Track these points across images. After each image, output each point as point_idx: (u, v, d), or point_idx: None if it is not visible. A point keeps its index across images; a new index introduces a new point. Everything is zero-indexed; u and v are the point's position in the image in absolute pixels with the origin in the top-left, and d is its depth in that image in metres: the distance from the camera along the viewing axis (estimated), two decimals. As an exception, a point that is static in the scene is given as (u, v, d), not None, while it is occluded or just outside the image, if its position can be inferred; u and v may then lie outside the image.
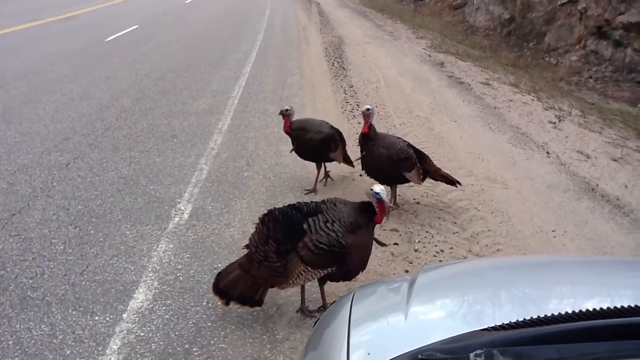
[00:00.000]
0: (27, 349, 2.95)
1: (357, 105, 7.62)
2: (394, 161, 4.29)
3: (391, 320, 1.55)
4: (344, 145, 5.00)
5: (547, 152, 5.93)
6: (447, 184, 4.62)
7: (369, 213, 3.03)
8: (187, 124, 6.85)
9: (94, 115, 7.33)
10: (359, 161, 4.56)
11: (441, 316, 1.56)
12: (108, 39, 13.63)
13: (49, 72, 9.98)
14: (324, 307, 3.21)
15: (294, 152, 4.96)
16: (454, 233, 4.23)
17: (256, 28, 15.45)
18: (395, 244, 4.07)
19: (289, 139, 4.95)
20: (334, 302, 1.94)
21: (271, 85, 8.88)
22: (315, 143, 4.73)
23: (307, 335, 3.03)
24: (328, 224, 2.95)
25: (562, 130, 6.68)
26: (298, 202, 3.11)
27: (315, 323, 1.92)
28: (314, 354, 1.59)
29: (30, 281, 3.58)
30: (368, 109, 4.30)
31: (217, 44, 12.93)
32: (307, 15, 18.69)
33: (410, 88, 8.78)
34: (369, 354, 1.31)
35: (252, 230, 4.09)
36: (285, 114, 4.74)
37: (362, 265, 3.14)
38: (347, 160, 5.02)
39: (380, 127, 6.67)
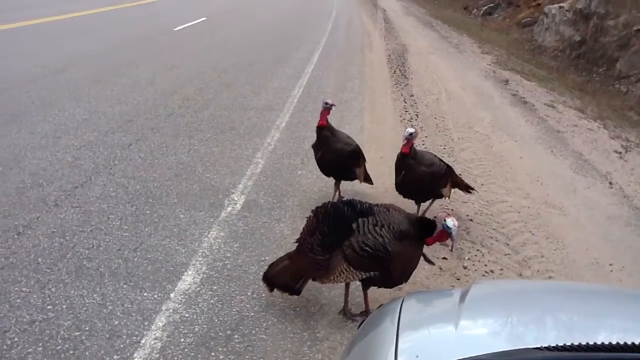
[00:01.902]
0: (78, 315, 3.06)
1: (416, 114, 7.58)
2: (434, 179, 4.26)
3: (441, 329, 1.54)
4: (364, 162, 4.77)
5: (610, 183, 5.74)
6: (466, 192, 4.68)
7: (424, 231, 3.01)
8: (246, 118, 6.96)
9: (157, 100, 7.55)
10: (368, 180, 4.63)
11: (491, 331, 1.54)
12: (176, 29, 13.99)
13: (118, 56, 10.33)
14: (366, 313, 3.21)
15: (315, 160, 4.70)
16: (505, 255, 4.14)
17: (321, 30, 15.55)
18: (444, 258, 4.02)
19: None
20: (380, 305, 1.95)
21: (332, 87, 8.92)
22: (344, 154, 4.47)
23: (347, 337, 3.04)
24: (377, 228, 2.95)
25: (627, 162, 6.45)
26: (353, 199, 3.12)
27: (360, 324, 1.93)
28: (359, 354, 1.60)
29: (87, 251, 3.72)
30: (411, 134, 4.15)
31: (281, 42, 13.09)
32: (372, 21, 18.68)
33: (472, 103, 8.66)
34: (417, 356, 1.31)
35: (301, 227, 4.18)
36: (327, 108, 4.47)
37: (405, 275, 3.12)
38: (367, 179, 4.86)
39: (438, 140, 6.63)
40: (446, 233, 2.95)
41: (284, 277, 3.15)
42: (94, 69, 9.10)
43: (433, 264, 3.54)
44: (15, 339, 2.86)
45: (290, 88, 8.61)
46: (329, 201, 3.16)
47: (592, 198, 5.32)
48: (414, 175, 4.20)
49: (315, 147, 4.61)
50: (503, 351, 1.20)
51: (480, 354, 1.19)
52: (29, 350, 2.79)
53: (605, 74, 11.53)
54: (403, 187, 4.35)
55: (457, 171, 5.61)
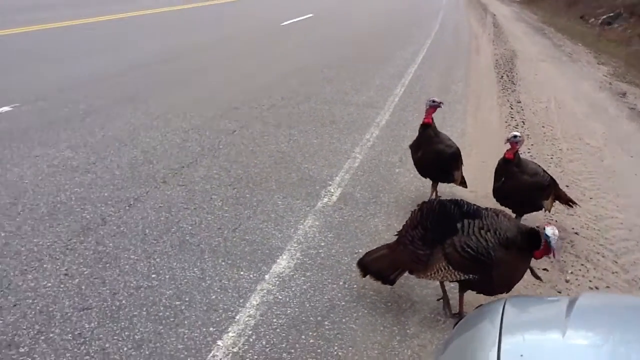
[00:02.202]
0: (179, 286, 3.22)
1: (523, 121, 7.30)
2: (536, 189, 4.04)
3: (547, 334, 1.48)
4: (462, 166, 4.64)
5: None
6: (567, 205, 4.44)
7: (534, 243, 2.89)
8: (346, 113, 7.01)
9: (262, 91, 7.78)
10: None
11: (598, 344, 1.47)
12: (284, 24, 14.33)
13: (227, 48, 10.74)
14: (459, 315, 3.14)
15: (414, 161, 4.59)
16: (613, 273, 3.90)
17: (427, 30, 15.35)
18: (545, 269, 3.85)
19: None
20: (479, 305, 1.90)
21: (434, 88, 8.78)
22: (445, 156, 4.38)
23: (438, 337, 2.99)
24: (482, 231, 2.87)
25: None
26: (461, 200, 3.07)
27: (456, 324, 1.89)
28: (456, 353, 1.56)
29: (190, 227, 3.91)
30: (515, 136, 3.95)
31: (385, 40, 13.06)
32: (481, 25, 18.19)
33: (584, 114, 8.21)
34: (521, 355, 1.27)
35: (396, 224, 4.16)
36: (433, 106, 4.36)
37: (506, 285, 3.01)
38: (462, 182, 4.71)
39: (545, 149, 6.35)
40: (549, 244, 2.80)
41: (380, 265, 3.15)
42: (204, 59, 9.53)
43: (540, 279, 3.39)
44: (123, 301, 3.05)
45: (392, 87, 8.57)
46: (436, 198, 3.11)
47: None
48: (515, 183, 4.00)
49: (415, 146, 4.54)
50: None
51: None
52: (135, 313, 2.96)
53: None
54: (502, 194, 4.16)
55: (564, 183, 5.35)
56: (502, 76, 10.27)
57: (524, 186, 3.99)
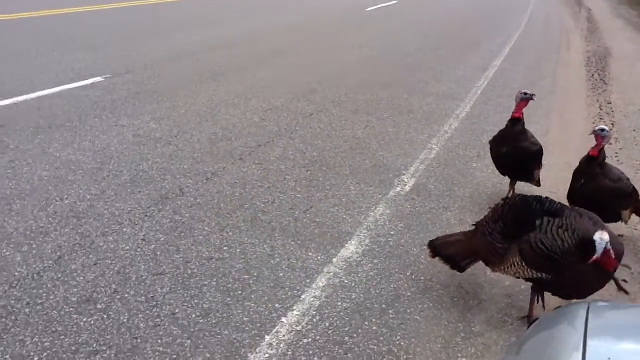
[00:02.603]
0: (249, 260, 3.30)
1: (612, 123, 6.92)
2: (617, 196, 3.71)
3: (634, 342, 1.41)
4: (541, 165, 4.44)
5: None
6: None
7: (585, 249, 2.70)
8: (425, 103, 6.89)
9: (341, 76, 7.78)
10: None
11: None
12: (368, 9, 14.22)
13: (308, 31, 10.79)
14: (528, 318, 3.04)
15: (494, 157, 4.42)
16: (699, 289, 3.65)
17: (515, 22, 14.80)
18: (624, 280, 3.66)
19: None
20: (558, 307, 1.83)
21: (520, 83, 8.46)
22: (529, 153, 4.20)
23: (505, 338, 2.91)
24: (560, 230, 2.75)
25: None
26: (546, 197, 2.96)
27: (529, 325, 1.84)
28: (534, 355, 1.51)
29: (262, 205, 3.98)
30: (603, 130, 3.64)
31: (470, 31, 12.70)
32: (574, 20, 17.34)
33: (681, 120, 7.68)
34: (609, 358, 1.22)
35: (469, 219, 4.07)
36: (525, 99, 4.14)
37: (581, 290, 2.86)
38: (537, 181, 4.51)
39: (634, 154, 6.01)
40: (602, 250, 2.56)
41: (454, 250, 3.12)
42: (286, 42, 9.63)
43: (626, 292, 3.22)
44: (195, 270, 3.16)
45: (474, 78, 8.34)
46: (520, 194, 3.03)
47: None
48: (594, 187, 3.68)
49: (498, 140, 4.39)
50: None
51: None
52: (204, 282, 3.06)
53: None
54: (578, 197, 3.84)
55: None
56: (592, 74, 9.76)
57: (604, 191, 3.66)
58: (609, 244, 2.59)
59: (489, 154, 4.57)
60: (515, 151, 4.20)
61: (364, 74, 8.00)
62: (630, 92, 8.76)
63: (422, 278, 3.34)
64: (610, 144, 6.20)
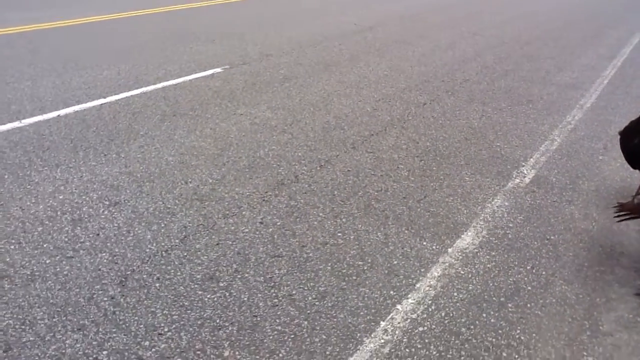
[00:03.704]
0: (363, 247, 3.31)
1: None
2: None
3: None
4: None
5: None
6: None
7: None
8: (546, 93, 6.54)
9: (455, 65, 7.57)
10: None
11: None
12: (483, -2, 13.74)
13: (420, 19, 10.60)
14: None
15: (624, 149, 4.06)
16: None
17: (646, 8, 13.65)
18: None
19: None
20: None
21: (652, 72, 7.81)
22: None
23: (636, 339, 2.71)
24: None
25: None
26: None
27: None
28: None
29: (376, 193, 3.97)
30: None
31: (595, 18, 11.88)
32: None
33: None
34: None
35: (595, 214, 3.83)
36: None
37: None
38: None
39: None
40: None
41: None
42: (398, 30, 9.52)
43: None
44: (310, 254, 3.22)
45: (601, 67, 7.79)
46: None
47: None
48: None
49: (629, 132, 4.06)
50: None
51: None
52: (320, 267, 3.11)
53: None
54: None
55: None
56: None
57: None
58: None
59: (618, 146, 4.24)
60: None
61: (480, 62, 7.73)
62: None
63: (543, 273, 3.18)
64: None
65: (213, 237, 3.34)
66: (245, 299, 2.82)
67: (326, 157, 4.54)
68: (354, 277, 3.03)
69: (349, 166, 4.39)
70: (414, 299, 2.89)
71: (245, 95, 6.01)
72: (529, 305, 2.91)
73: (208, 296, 2.83)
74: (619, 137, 4.19)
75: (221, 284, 2.92)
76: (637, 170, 4.23)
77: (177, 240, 3.30)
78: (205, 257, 3.15)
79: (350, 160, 4.50)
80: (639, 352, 2.64)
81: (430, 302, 2.87)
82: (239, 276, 2.99)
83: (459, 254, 3.31)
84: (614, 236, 3.62)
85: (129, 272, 3.00)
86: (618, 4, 14.23)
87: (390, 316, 2.75)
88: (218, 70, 6.90)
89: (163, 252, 3.18)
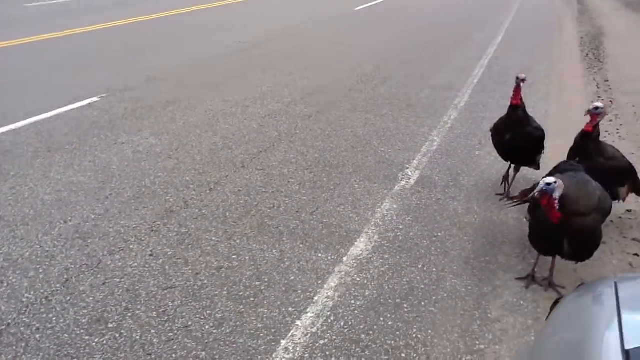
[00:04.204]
0: (259, 267, 3.27)
1: (611, 101, 6.88)
2: (612, 174, 3.62)
3: None
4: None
5: None
6: None
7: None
8: (423, 96, 6.87)
9: (338, 76, 7.76)
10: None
11: None
12: (357, 9, 14.23)
13: (302, 35, 10.78)
14: (549, 280, 3.21)
15: (497, 144, 4.37)
16: None
17: (506, 10, 14.77)
18: (636, 255, 3.62)
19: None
20: (581, 284, 1.81)
21: (515, 68, 8.41)
22: (533, 139, 4.15)
23: (521, 322, 2.89)
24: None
25: None
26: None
27: (555, 303, 1.81)
28: (567, 331, 1.48)
29: (268, 210, 3.96)
30: (597, 108, 3.61)
31: (462, 22, 12.68)
32: (565, 3, 17.29)
33: (680, 92, 7.63)
34: None
35: (476, 207, 4.04)
36: (517, 84, 4.08)
37: (531, 235, 3.18)
38: (538, 165, 4.43)
39: (635, 129, 5.97)
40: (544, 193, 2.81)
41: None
42: (278, 48, 9.63)
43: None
44: (205, 281, 3.13)
45: (470, 68, 8.31)
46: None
47: None
48: (588, 165, 3.53)
49: (500, 128, 4.33)
50: None
51: None
52: (216, 293, 3.04)
53: None
54: None
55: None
56: (587, 54, 9.72)
57: (598, 170, 3.50)
58: (554, 191, 2.79)
59: (491, 141, 4.52)
60: (519, 137, 4.15)
61: (360, 72, 7.97)
62: (626, 69, 8.71)
63: (434, 270, 3.31)
64: (611, 121, 6.17)
65: (99, 276, 3.16)
66: (138, 337, 2.68)
67: (215, 179, 4.46)
68: (252, 299, 2.98)
69: (240, 186, 4.34)
70: (313, 313, 2.89)
71: (126, 122, 5.78)
72: (423, 303, 3.01)
73: (96, 340, 2.66)
74: (490, 133, 4.47)
75: (110, 326, 2.76)
76: (509, 162, 4.53)
77: (58, 285, 3.08)
78: (91, 298, 2.97)
79: (241, 179, 4.45)
80: (524, 334, 2.81)
81: (329, 313, 2.89)
82: (129, 314, 2.84)
83: (354, 261, 3.37)
84: (495, 227, 3.85)
85: (3, 327, 2.75)
86: (482, 6, 15.29)
87: (290, 333, 2.73)
88: (95, 99, 6.58)
89: (43, 300, 2.96)
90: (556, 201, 2.82)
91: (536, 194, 2.83)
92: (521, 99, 4.14)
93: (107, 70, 7.96)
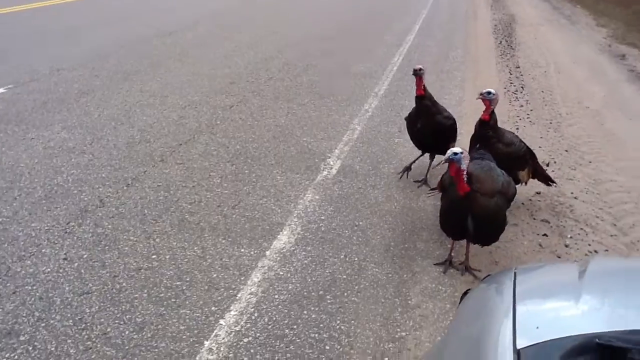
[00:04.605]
0: (180, 266, 3.21)
1: (522, 87, 7.21)
2: (510, 159, 3.78)
3: (561, 302, 1.45)
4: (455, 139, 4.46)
5: None
6: (545, 183, 4.21)
7: None
8: (344, 84, 6.92)
9: (259, 64, 7.68)
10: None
11: (613, 309, 1.43)
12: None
13: (222, 21, 10.59)
14: (465, 264, 3.35)
15: (410, 134, 4.47)
16: (611, 235, 3.88)
17: (423, 0, 15.12)
18: (545, 235, 3.83)
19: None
20: (487, 275, 1.88)
21: (433, 56, 8.66)
22: (444, 128, 4.25)
23: (440, 307, 2.99)
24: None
25: None
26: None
27: (463, 295, 1.87)
28: (468, 326, 1.54)
29: (189, 206, 3.88)
30: (490, 93, 3.71)
31: (383, 12, 12.88)
32: (479, -10, 17.88)
33: (583, 77, 8.11)
34: (537, 327, 1.24)
35: (396, 195, 4.14)
36: (419, 74, 4.14)
37: (441, 216, 3.33)
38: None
39: (544, 114, 6.29)
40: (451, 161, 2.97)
41: None
42: (198, 35, 9.40)
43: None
44: (124, 284, 3.04)
45: (390, 56, 8.45)
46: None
47: None
48: (489, 152, 3.66)
49: (413, 117, 4.43)
50: (633, 329, 1.11)
51: (605, 330, 1.11)
52: (135, 295, 2.95)
53: None
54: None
55: (563, 148, 5.33)
56: (500, 41, 10.12)
57: (499, 155, 3.65)
58: (460, 161, 2.93)
59: (408, 129, 4.63)
60: (429, 126, 4.26)
61: (282, 60, 7.93)
62: (535, 56, 9.15)
63: (355, 259, 3.37)
64: (522, 106, 6.47)
65: (8, 285, 2.99)
66: (53, 349, 2.56)
67: (133, 174, 4.32)
68: (173, 300, 2.93)
69: (159, 181, 4.22)
70: (237, 310, 2.87)
71: (36, 116, 5.47)
72: (345, 293, 3.06)
73: (7, 356, 2.52)
74: (405, 122, 4.58)
75: (22, 338, 2.62)
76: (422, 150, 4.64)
77: (-37, 296, 2.90)
78: (0, 309, 2.81)
79: (160, 174, 4.33)
80: (443, 318, 2.92)
81: (252, 310, 2.88)
82: (42, 324, 2.71)
83: (277, 255, 3.37)
84: (414, 214, 3.96)
85: None
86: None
87: (214, 333, 2.70)
88: (1, 90, 6.19)
89: (-53, 313, 2.78)
90: (464, 172, 2.97)
91: (443, 161, 3.00)
92: (424, 89, 4.23)
93: (9, 62, 7.47)
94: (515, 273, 1.55)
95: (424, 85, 4.23)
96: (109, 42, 8.66)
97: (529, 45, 9.93)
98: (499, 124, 4.04)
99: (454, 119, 4.38)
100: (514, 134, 4.18)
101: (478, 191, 3.02)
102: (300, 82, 6.95)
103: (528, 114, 6.21)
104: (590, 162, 5.08)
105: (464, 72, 7.79)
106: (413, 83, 6.92)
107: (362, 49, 8.85)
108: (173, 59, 7.81)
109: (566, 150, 5.29)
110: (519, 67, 8.28)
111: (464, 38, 10.19)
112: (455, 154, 2.92)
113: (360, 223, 3.77)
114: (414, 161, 4.47)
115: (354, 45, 9.15)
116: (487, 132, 3.79)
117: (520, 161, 3.93)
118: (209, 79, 6.90)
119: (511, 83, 7.41)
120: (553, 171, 4.79)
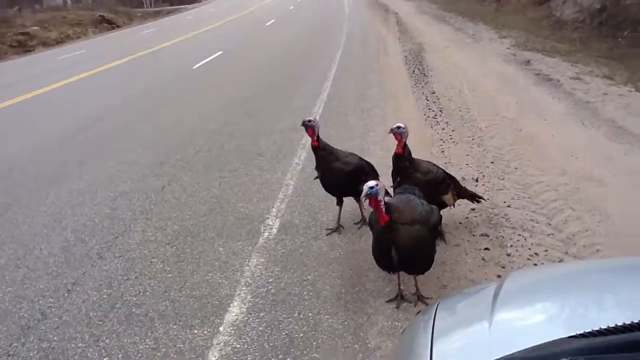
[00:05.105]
0: (133, 362, 3.12)
1: (440, 110, 7.52)
2: (431, 185, 3.93)
3: (474, 330, 1.50)
4: (376, 176, 4.35)
5: (650, 145, 5.55)
6: (473, 201, 4.36)
7: None
8: (271, 142, 7.03)
9: (184, 140, 7.70)
10: None
11: (527, 324, 1.50)
12: (195, 67, 14.28)
13: (143, 103, 10.61)
14: (416, 294, 3.43)
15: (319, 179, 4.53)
16: (548, 235, 4.05)
17: (335, 44, 15.64)
18: (486, 249, 3.96)
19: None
20: (419, 312, 1.93)
21: (352, 98, 8.94)
22: (343, 175, 4.26)
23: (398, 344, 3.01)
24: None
25: (665, 120, 6.23)
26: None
27: (403, 332, 1.91)
28: None
29: (134, 298, 3.80)
30: (399, 127, 3.85)
31: (298, 62, 13.23)
32: (386, 27, 18.69)
33: (495, 89, 8.54)
34: None
35: (338, 241, 4.19)
36: (309, 126, 4.22)
37: (374, 251, 3.36)
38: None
39: (465, 131, 6.56)
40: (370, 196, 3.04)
41: None
42: (119, 120, 9.36)
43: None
44: (77, 393, 2.93)
45: (311, 106, 8.67)
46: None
47: (631, 164, 5.15)
48: (410, 182, 3.81)
49: (316, 167, 4.49)
50: (536, 346, 1.17)
51: (513, 350, 1.16)
52: (91, 402, 2.85)
53: (632, 37, 11.20)
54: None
55: (489, 160, 5.55)
56: (413, 71, 10.56)
57: (419, 184, 3.79)
58: (377, 193, 3.02)
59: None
60: (329, 174, 4.32)
61: (207, 131, 7.97)
62: (448, 78, 9.59)
63: (310, 314, 3.37)
64: (444, 129, 6.73)
65: None
66: None
67: (72, 279, 4.20)
68: (131, 399, 2.84)
69: (100, 280, 4.13)
70: (198, 395, 2.81)
71: (-38, 240, 5.27)
72: (305, 351, 3.05)
73: None
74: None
75: None
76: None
77: None
78: None
79: (100, 273, 4.24)
80: (403, 354, 2.93)
81: (214, 390, 2.82)
82: None
83: (231, 328, 3.34)
84: (358, 256, 4.01)
85: None
86: (313, 47, 16.06)
87: None
88: None
89: None
90: (382, 203, 3.05)
91: (362, 198, 3.04)
92: (318, 139, 4.28)
93: None
94: (437, 306, 1.61)
95: (317, 136, 4.27)
96: (25, 150, 8.48)
97: (440, 70, 10.39)
98: (424, 150, 4.20)
99: (352, 164, 4.33)
100: (429, 162, 4.30)
101: (397, 221, 3.09)
102: (228, 148, 7.01)
103: (450, 135, 6.46)
104: (516, 168, 5.32)
105: (384, 108, 8.07)
106: (337, 128, 7.17)
107: (283, 105, 9.04)
108: (96, 152, 7.72)
109: (492, 162, 5.51)
110: (434, 92, 8.65)
111: (378, 75, 10.58)
112: (372, 187, 3.01)
113: (309, 277, 3.79)
114: (339, 214, 4.51)
115: (273, 102, 9.34)
116: (404, 164, 3.92)
117: (441, 186, 4.06)
118: (135, 165, 6.85)
119: (429, 109, 7.71)
120: (483, 184, 4.98)
